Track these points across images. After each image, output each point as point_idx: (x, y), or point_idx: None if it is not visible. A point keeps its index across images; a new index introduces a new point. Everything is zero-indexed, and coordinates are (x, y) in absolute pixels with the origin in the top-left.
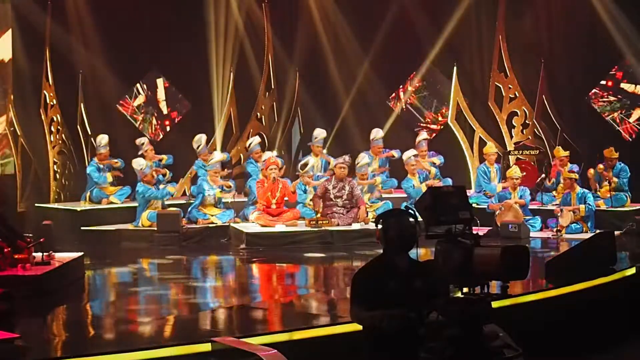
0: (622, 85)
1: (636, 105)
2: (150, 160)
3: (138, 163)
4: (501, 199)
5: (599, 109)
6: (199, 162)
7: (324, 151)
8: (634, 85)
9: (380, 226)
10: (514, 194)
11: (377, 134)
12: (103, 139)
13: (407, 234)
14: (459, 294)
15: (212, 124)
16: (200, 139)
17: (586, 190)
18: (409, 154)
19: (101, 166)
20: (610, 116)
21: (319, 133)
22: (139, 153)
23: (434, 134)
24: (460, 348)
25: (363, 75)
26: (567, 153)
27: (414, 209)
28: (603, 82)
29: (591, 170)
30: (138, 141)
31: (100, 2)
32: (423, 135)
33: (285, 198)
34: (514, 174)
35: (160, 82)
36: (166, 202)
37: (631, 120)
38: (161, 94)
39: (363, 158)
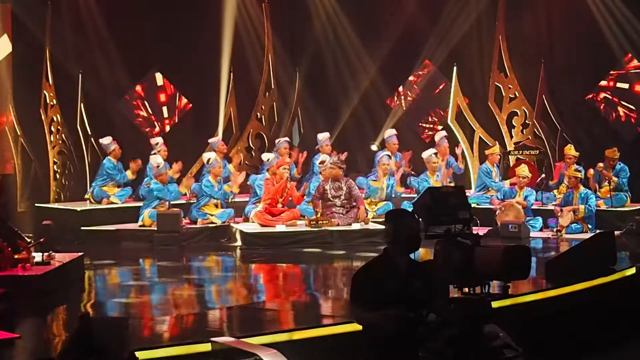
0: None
1: (600, 91)
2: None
3: (156, 160)
4: (506, 195)
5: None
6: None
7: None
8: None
9: (390, 223)
10: (520, 193)
11: (390, 132)
12: (106, 139)
13: (414, 236)
14: (459, 294)
15: (212, 124)
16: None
17: (589, 191)
18: (430, 152)
19: (115, 164)
20: (588, 97)
21: (324, 135)
22: (152, 152)
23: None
24: (460, 348)
25: (363, 75)
26: (577, 153)
27: (413, 208)
28: (604, 83)
29: (591, 171)
30: (153, 141)
31: (100, 2)
32: (442, 133)
33: (289, 198)
34: (522, 172)
35: (159, 77)
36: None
37: (600, 97)
38: (163, 98)
39: (383, 156)
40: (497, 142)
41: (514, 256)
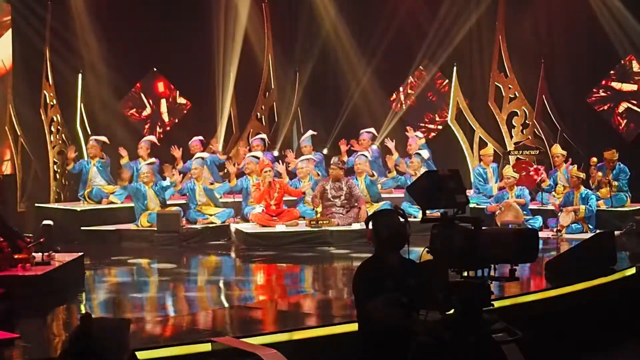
0: (612, 83)
1: (621, 100)
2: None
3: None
4: (498, 200)
5: (593, 103)
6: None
7: (325, 151)
8: (620, 83)
9: (370, 227)
10: (511, 194)
11: (363, 130)
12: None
13: (397, 233)
14: (459, 278)
15: (212, 123)
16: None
17: (590, 192)
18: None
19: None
20: (601, 109)
21: (306, 135)
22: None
23: (432, 134)
24: (459, 331)
25: (363, 76)
26: (564, 152)
27: (409, 193)
28: (628, 87)
29: (594, 159)
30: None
31: (101, 2)
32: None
33: (285, 198)
34: (507, 172)
35: (162, 85)
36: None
37: (619, 111)
38: (164, 107)
39: (358, 156)
40: (489, 143)
41: (525, 239)
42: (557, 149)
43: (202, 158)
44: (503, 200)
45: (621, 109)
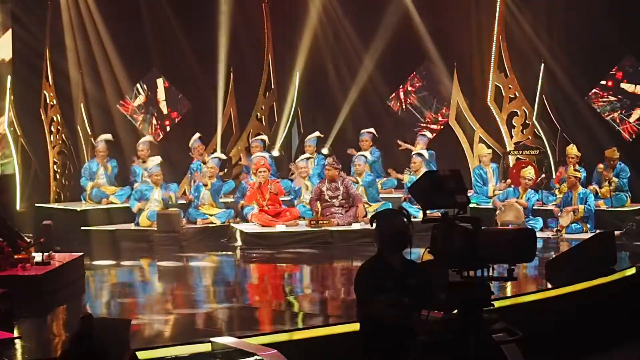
0: (622, 85)
1: (636, 106)
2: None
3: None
4: (509, 195)
5: (599, 109)
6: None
7: (324, 151)
8: (633, 86)
9: (375, 226)
10: (523, 194)
11: (363, 130)
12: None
13: (400, 233)
14: (459, 278)
15: (212, 124)
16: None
17: (588, 191)
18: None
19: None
20: (610, 116)
21: (311, 135)
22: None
23: (434, 134)
24: (459, 331)
25: (363, 75)
26: (579, 153)
27: (410, 193)
28: (603, 82)
29: (601, 165)
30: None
31: (101, 2)
32: (423, 133)
33: (282, 197)
34: (527, 174)
35: (160, 82)
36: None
37: (631, 120)
38: (161, 94)
39: (358, 156)
40: (481, 143)
41: (523, 239)
42: (573, 150)
43: (219, 158)
44: (514, 196)
45: (635, 116)
